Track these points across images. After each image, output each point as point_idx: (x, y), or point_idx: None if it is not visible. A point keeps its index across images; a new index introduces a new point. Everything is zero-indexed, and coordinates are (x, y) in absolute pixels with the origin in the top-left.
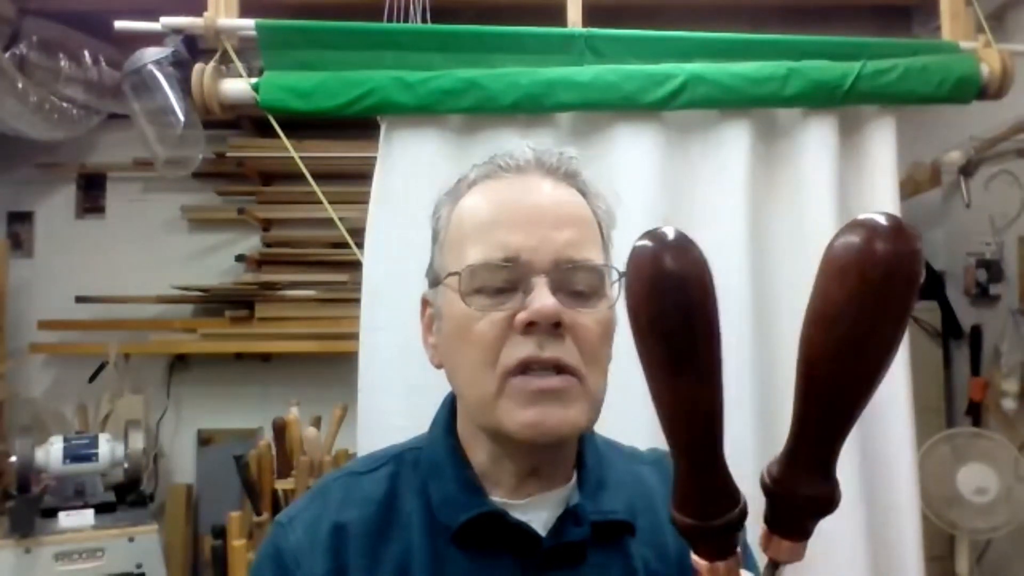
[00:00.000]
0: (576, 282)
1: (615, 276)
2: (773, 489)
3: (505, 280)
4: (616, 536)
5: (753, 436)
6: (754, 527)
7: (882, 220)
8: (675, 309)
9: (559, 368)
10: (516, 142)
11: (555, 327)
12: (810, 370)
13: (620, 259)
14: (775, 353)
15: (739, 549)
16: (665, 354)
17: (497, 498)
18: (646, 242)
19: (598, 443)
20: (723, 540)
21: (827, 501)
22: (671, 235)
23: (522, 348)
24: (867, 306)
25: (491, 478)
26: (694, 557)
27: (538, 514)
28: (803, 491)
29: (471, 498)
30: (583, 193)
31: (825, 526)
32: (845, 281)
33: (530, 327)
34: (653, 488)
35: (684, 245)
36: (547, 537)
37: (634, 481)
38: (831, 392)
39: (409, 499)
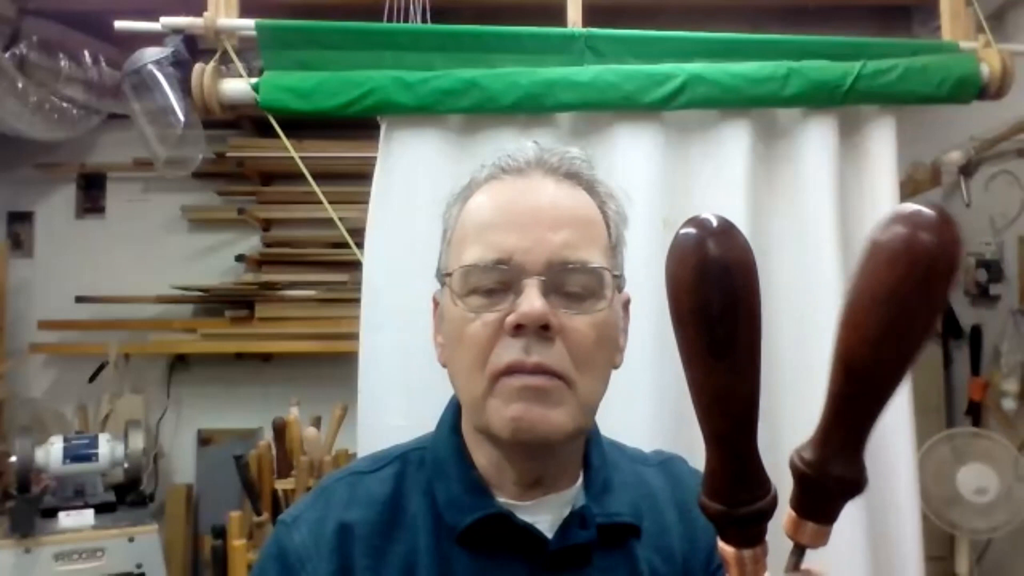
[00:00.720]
0: (571, 284)
1: (613, 277)
2: (805, 470)
3: (498, 281)
4: (621, 539)
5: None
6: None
7: (929, 211)
8: (720, 297)
9: (545, 372)
10: (521, 141)
11: (544, 330)
12: (852, 351)
13: (625, 261)
14: (774, 353)
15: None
16: (706, 341)
17: (503, 499)
18: (690, 229)
19: (604, 445)
20: (752, 528)
21: (857, 482)
22: (715, 222)
23: (510, 351)
24: (914, 290)
25: (494, 482)
26: (721, 545)
27: (544, 516)
28: (835, 472)
29: (477, 499)
30: (591, 192)
31: None
32: (895, 266)
33: (518, 329)
34: (658, 490)
35: (729, 232)
36: (553, 539)
37: (639, 483)
38: (872, 372)
39: (414, 499)
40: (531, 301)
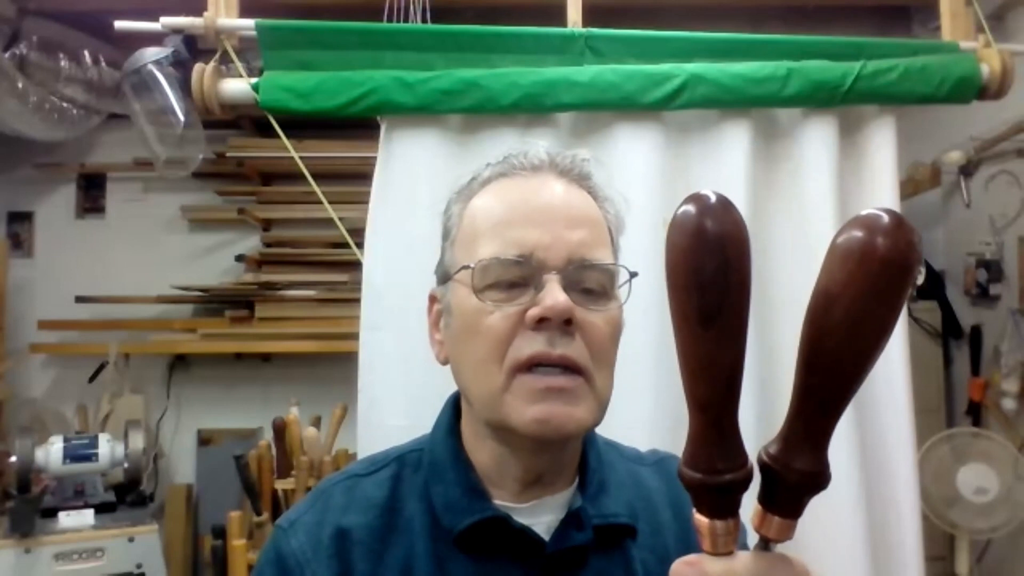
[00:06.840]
0: (588, 281)
1: (625, 276)
2: (770, 464)
3: (517, 276)
4: (618, 540)
5: (752, 433)
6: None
7: (885, 215)
8: (713, 264)
9: (567, 366)
10: (530, 143)
11: (566, 324)
12: (813, 344)
13: (625, 261)
14: (774, 353)
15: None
16: (696, 307)
17: (500, 501)
18: (690, 205)
19: (599, 444)
20: (727, 498)
21: (819, 477)
22: (714, 198)
23: (533, 344)
24: (869, 288)
25: (494, 480)
26: (696, 516)
27: (541, 518)
28: (797, 465)
29: (474, 502)
30: (593, 196)
31: (825, 524)
32: (846, 265)
33: (541, 323)
34: (654, 490)
35: (726, 206)
36: (550, 542)
37: (635, 483)
38: (830, 366)
39: (411, 502)
40: (555, 295)
